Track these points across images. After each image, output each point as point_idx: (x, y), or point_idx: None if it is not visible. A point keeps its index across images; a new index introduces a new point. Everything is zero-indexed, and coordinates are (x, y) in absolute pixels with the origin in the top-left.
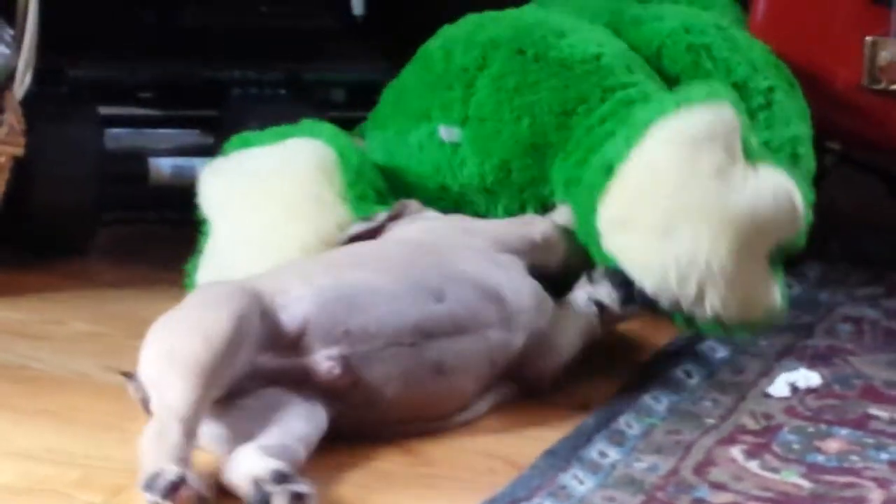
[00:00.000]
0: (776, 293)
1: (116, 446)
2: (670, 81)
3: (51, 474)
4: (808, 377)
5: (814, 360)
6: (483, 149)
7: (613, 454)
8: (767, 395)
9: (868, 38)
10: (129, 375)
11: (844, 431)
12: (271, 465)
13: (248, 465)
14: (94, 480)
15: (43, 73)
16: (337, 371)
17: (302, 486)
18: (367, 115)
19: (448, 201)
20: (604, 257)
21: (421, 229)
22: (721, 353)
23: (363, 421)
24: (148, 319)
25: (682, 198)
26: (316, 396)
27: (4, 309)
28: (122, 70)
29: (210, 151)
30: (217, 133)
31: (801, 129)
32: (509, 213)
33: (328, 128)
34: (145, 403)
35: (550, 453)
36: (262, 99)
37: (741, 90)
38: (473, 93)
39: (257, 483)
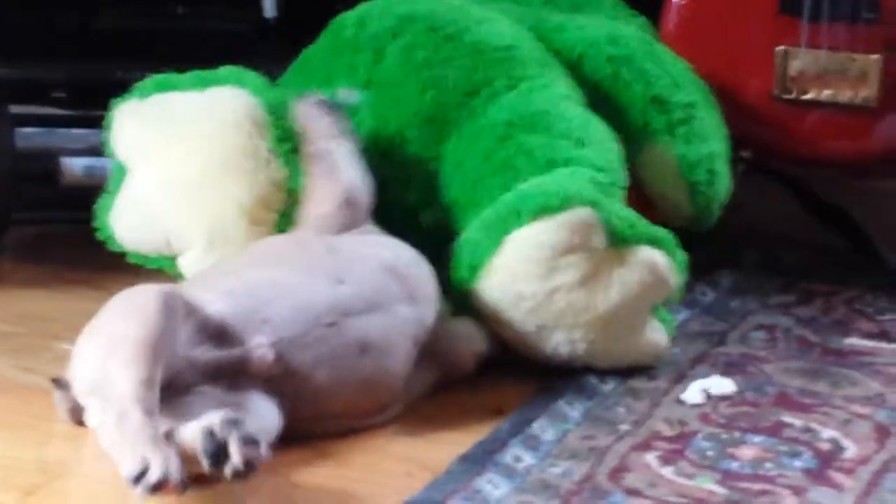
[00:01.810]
0: (660, 336)
1: (29, 446)
2: (590, 90)
3: None
4: (721, 384)
5: (727, 367)
6: (381, 115)
7: (528, 459)
8: (681, 402)
9: (779, 48)
10: (58, 383)
11: (758, 439)
12: (220, 414)
13: (197, 421)
14: (7, 480)
15: None
16: (270, 357)
17: (158, 471)
18: None
19: None
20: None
21: (294, 233)
22: None
23: (299, 416)
24: (59, 319)
25: (547, 310)
26: (260, 391)
27: None
28: (34, 69)
29: None
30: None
31: (718, 146)
32: (396, 183)
33: (254, 77)
34: (74, 413)
35: (465, 458)
36: None
37: (661, 104)
38: (382, 59)
39: (209, 431)
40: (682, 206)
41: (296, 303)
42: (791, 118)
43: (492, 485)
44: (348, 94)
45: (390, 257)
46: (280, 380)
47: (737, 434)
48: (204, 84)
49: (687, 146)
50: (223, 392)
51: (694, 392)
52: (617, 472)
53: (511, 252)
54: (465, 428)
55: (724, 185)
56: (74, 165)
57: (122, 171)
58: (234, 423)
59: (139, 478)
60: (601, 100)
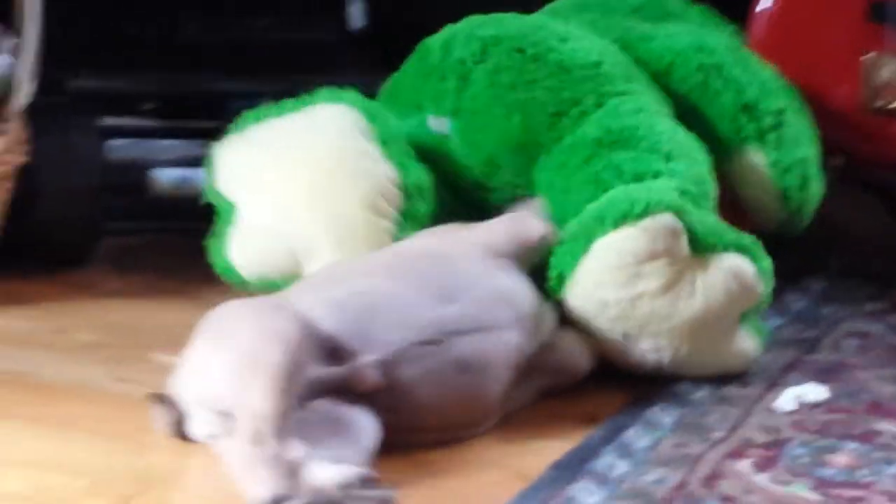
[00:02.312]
0: (750, 346)
1: (122, 455)
2: (679, 99)
3: (58, 483)
4: (814, 391)
5: (820, 374)
6: (472, 141)
7: (622, 467)
8: (774, 410)
9: (867, 56)
10: (159, 398)
11: (852, 446)
12: (355, 470)
13: (329, 472)
14: (101, 489)
15: (45, 84)
16: (376, 377)
17: (387, 492)
18: None
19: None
20: None
21: (421, 240)
22: None
23: (396, 428)
24: (151, 329)
25: (632, 318)
26: (360, 405)
27: (9, 318)
28: (123, 81)
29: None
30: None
31: (810, 151)
32: (503, 204)
33: (349, 92)
34: (177, 426)
35: (558, 465)
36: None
37: (751, 111)
38: (468, 85)
39: (344, 489)
40: (773, 212)
41: (402, 319)
42: (880, 125)
43: (585, 492)
44: (438, 123)
45: (509, 285)
46: (381, 394)
47: (830, 441)
48: (296, 108)
49: (778, 152)
50: (329, 405)
51: (787, 399)
52: (711, 480)
53: (594, 260)
54: (559, 436)
55: (816, 189)
56: (164, 176)
57: (230, 207)
58: (370, 484)
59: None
60: (691, 108)
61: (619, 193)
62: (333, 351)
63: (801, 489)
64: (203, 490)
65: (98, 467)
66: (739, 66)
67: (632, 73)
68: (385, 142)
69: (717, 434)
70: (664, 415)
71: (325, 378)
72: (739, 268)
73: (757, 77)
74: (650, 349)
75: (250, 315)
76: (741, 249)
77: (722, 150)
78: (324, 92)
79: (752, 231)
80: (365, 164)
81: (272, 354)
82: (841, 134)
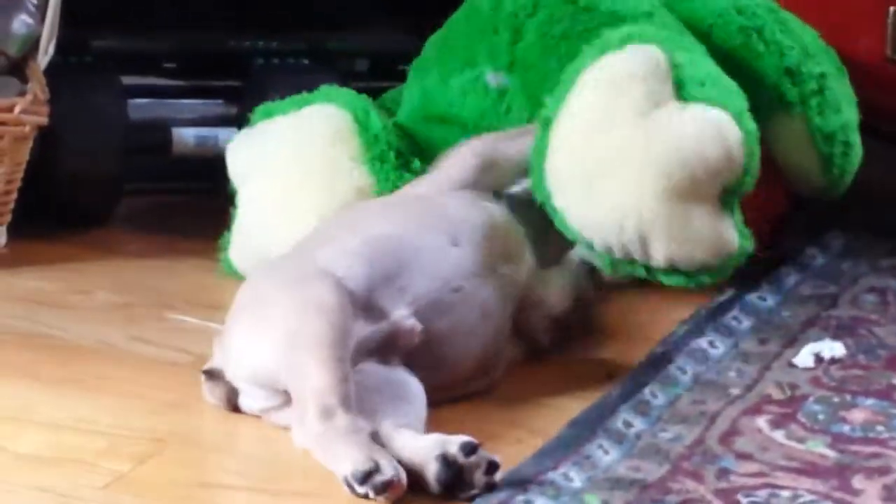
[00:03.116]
0: (731, 235)
1: (142, 415)
2: (719, 60)
3: (77, 443)
4: (832, 348)
5: (838, 330)
6: (530, 95)
7: (638, 424)
8: (792, 366)
9: (891, 8)
10: (209, 374)
11: (870, 402)
12: (455, 438)
13: (421, 444)
14: (120, 449)
15: (66, 43)
16: (418, 329)
17: (493, 456)
18: (390, 85)
19: None
20: (554, 217)
21: (402, 190)
22: (745, 323)
23: (436, 387)
24: (172, 289)
25: (601, 144)
26: (401, 366)
27: (30, 279)
28: (145, 40)
29: (233, 121)
30: (240, 103)
31: (851, 115)
32: None
33: (344, 93)
34: (229, 399)
35: (575, 423)
36: (284, 69)
37: (794, 75)
38: (520, 38)
39: (447, 458)
40: (814, 177)
41: (426, 267)
42: None
43: (602, 450)
44: (496, 78)
45: (487, 218)
46: (420, 351)
47: (848, 397)
48: (300, 105)
49: (821, 118)
50: (380, 368)
51: (805, 356)
52: (728, 437)
53: (577, 91)
54: (575, 394)
55: (857, 154)
56: (186, 135)
57: (237, 200)
58: (472, 450)
59: (367, 477)
60: (731, 70)
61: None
62: (367, 308)
63: (817, 445)
64: (220, 449)
65: (117, 427)
66: (781, 28)
67: (680, 29)
68: (366, 147)
69: (735, 391)
70: (682, 372)
71: (370, 337)
72: (723, 124)
73: (798, 40)
74: (618, 189)
75: (289, 286)
76: (731, 110)
77: (762, 115)
78: (324, 90)
79: (788, 196)
80: (331, 177)
81: (319, 326)
82: (864, 88)
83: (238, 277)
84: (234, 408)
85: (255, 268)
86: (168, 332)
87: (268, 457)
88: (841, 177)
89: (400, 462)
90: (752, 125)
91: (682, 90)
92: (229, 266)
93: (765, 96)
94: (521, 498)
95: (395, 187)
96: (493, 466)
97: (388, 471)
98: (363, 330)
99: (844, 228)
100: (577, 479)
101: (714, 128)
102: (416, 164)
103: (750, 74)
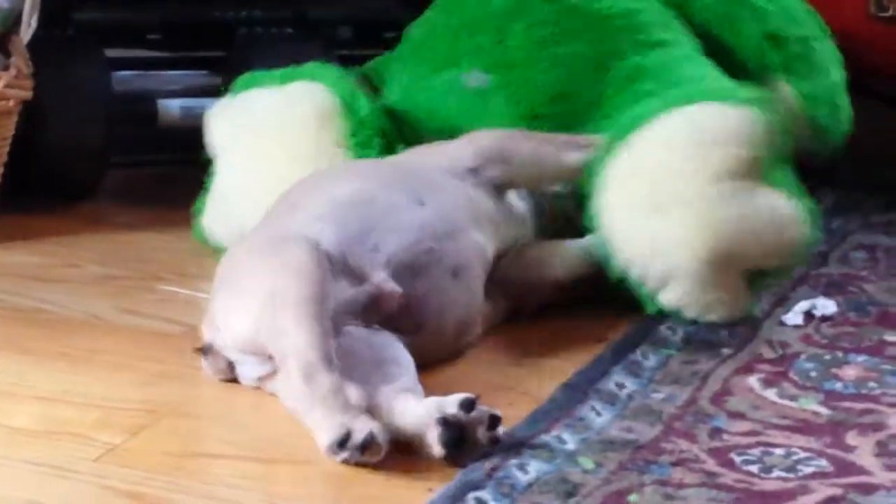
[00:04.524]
0: (740, 305)
1: (134, 387)
2: (701, 30)
3: (69, 416)
4: (823, 305)
5: (829, 288)
6: (513, 96)
7: (630, 385)
8: (783, 324)
9: None
10: (204, 350)
11: (861, 358)
12: (452, 398)
13: (420, 411)
14: (112, 421)
15: (49, 17)
16: (398, 291)
17: (494, 410)
18: (374, 53)
19: None
20: (590, 214)
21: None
22: None
23: (418, 350)
24: (160, 261)
25: (678, 186)
26: (383, 329)
27: (19, 253)
28: (128, 12)
29: (218, 92)
30: (225, 73)
31: (837, 76)
32: None
33: (332, 71)
34: (228, 371)
35: (568, 386)
36: (269, 38)
37: (777, 39)
38: (506, 39)
39: (447, 420)
40: (804, 142)
41: (393, 224)
42: (887, 36)
43: (594, 412)
44: (477, 79)
45: (455, 187)
46: (397, 314)
47: (839, 354)
48: (285, 80)
49: (806, 81)
50: (363, 331)
51: (796, 314)
52: (720, 396)
53: (673, 121)
54: (566, 356)
55: (846, 115)
56: (171, 107)
57: (215, 168)
58: (470, 406)
59: (342, 444)
60: (713, 39)
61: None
62: (345, 270)
63: (809, 403)
64: (213, 419)
65: (109, 399)
66: None
67: (667, 20)
68: (353, 132)
69: (726, 350)
70: (673, 332)
71: (352, 300)
72: (793, 218)
73: (779, 3)
74: (671, 227)
75: (265, 253)
76: (804, 210)
77: (747, 81)
78: (310, 66)
79: None
80: (315, 161)
81: (297, 288)
82: (848, 45)
83: (208, 245)
84: (234, 380)
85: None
86: (158, 304)
87: (261, 426)
88: (830, 139)
89: (403, 431)
90: (817, 233)
91: (770, 173)
92: (201, 234)
93: (748, 63)
94: (514, 461)
95: None
96: (494, 420)
97: (361, 433)
98: (344, 292)
99: (834, 186)
100: (570, 442)
101: (784, 222)
102: (402, 149)
103: (732, 42)
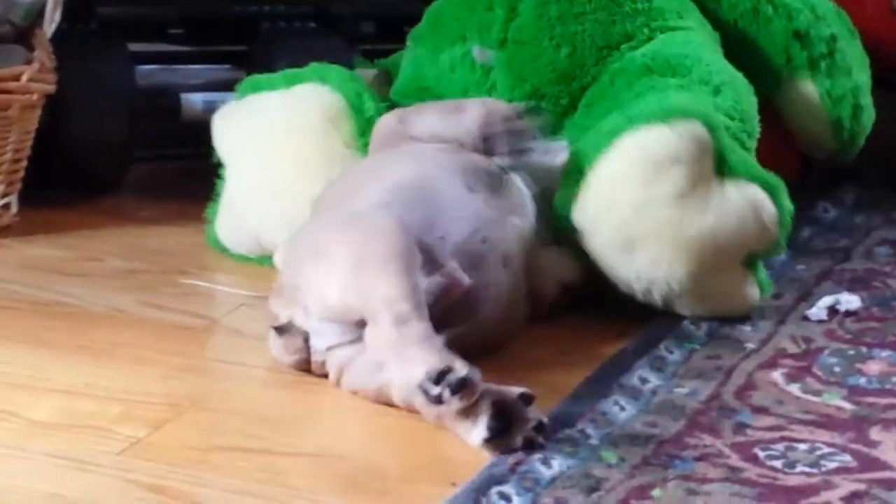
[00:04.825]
0: (753, 290)
1: (156, 381)
2: (729, 28)
3: (92, 410)
4: (847, 300)
5: (852, 283)
6: (517, 73)
7: (654, 380)
8: (807, 319)
9: None
10: (280, 329)
11: (885, 353)
12: (513, 388)
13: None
14: (135, 415)
15: (72, 11)
16: (467, 281)
17: (464, 371)
18: (397, 48)
19: None
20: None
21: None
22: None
23: (458, 339)
24: (183, 255)
25: (641, 220)
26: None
27: (42, 247)
28: (151, 6)
29: None
30: (247, 68)
31: (862, 78)
32: None
33: (337, 72)
34: (302, 353)
35: (591, 380)
36: (291, 33)
37: (802, 38)
38: (515, 16)
39: (423, 389)
40: (825, 141)
41: (458, 214)
42: None
43: (618, 406)
44: (482, 54)
45: (488, 166)
46: (458, 303)
47: (863, 349)
48: (292, 82)
49: (830, 81)
50: None
51: (820, 309)
52: (743, 391)
53: (617, 154)
54: (590, 351)
55: (868, 117)
56: (194, 101)
57: (224, 173)
58: (528, 402)
59: (441, 376)
60: (741, 37)
61: (656, 97)
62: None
63: (833, 398)
64: (235, 413)
65: (131, 393)
66: None
67: (685, 7)
68: (360, 132)
69: (750, 345)
70: (696, 327)
71: (427, 289)
72: (759, 202)
73: (807, 2)
74: (647, 263)
75: (345, 224)
76: (767, 187)
77: (773, 80)
78: (316, 67)
79: (801, 159)
80: (325, 164)
81: (385, 248)
82: (872, 40)
83: (222, 249)
84: (306, 367)
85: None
86: (181, 297)
87: (284, 419)
88: (852, 140)
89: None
90: (786, 201)
91: (723, 166)
92: (214, 239)
93: (774, 61)
94: (537, 456)
95: None
96: (541, 426)
97: (462, 370)
98: (421, 280)
99: (857, 182)
100: (594, 436)
101: (753, 210)
102: None
103: (759, 39)
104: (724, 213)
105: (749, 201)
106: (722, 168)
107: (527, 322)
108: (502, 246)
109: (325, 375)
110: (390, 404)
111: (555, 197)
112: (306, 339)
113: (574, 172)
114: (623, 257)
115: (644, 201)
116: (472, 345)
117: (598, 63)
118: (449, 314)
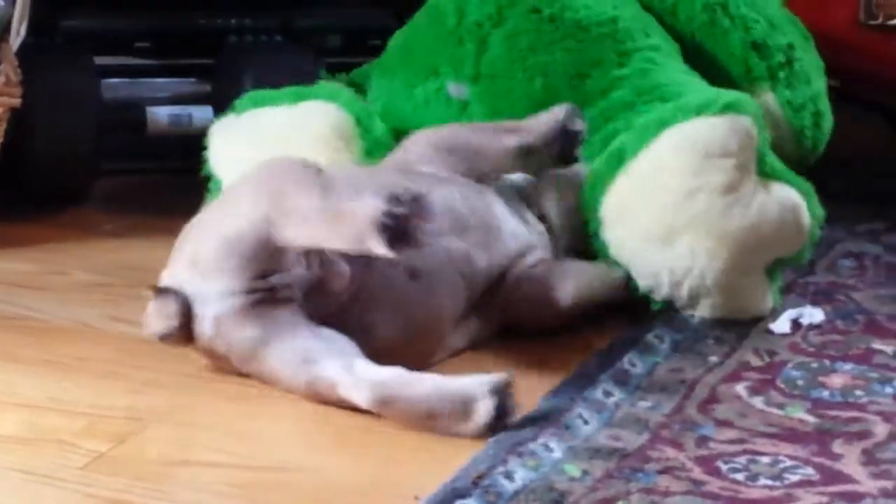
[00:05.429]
0: (768, 300)
1: (121, 395)
2: (685, 40)
3: (56, 424)
4: (811, 313)
5: (816, 296)
6: (493, 107)
7: (617, 394)
8: (770, 332)
9: None
10: (159, 290)
11: (848, 366)
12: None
13: (467, 380)
14: (99, 429)
15: (38, 24)
16: (347, 273)
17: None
18: (363, 61)
19: None
20: (599, 246)
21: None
22: None
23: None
24: (149, 268)
25: (685, 209)
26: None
27: (7, 260)
28: (116, 20)
29: (206, 99)
30: (213, 81)
31: (820, 84)
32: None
33: (345, 92)
34: (171, 316)
35: (555, 394)
36: (257, 46)
37: (760, 49)
38: (486, 49)
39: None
40: (787, 149)
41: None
42: (877, 44)
43: (581, 420)
44: (458, 90)
45: (450, 194)
46: (348, 305)
47: (827, 362)
48: (297, 99)
49: (790, 91)
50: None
51: (783, 322)
52: (707, 404)
53: (666, 142)
54: (553, 364)
55: (828, 124)
56: (159, 114)
57: (218, 186)
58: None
59: (396, 199)
60: (698, 49)
61: (703, 91)
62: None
63: (796, 411)
64: (200, 427)
65: (96, 407)
66: (744, 1)
67: (647, 25)
68: (368, 151)
69: (713, 358)
70: (660, 340)
71: (304, 278)
72: (798, 205)
73: (763, 12)
74: (688, 252)
75: (247, 175)
76: (802, 192)
77: (732, 90)
78: (323, 86)
79: None
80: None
81: (289, 170)
82: (838, 54)
83: None
84: (188, 331)
85: None
86: (145, 311)
87: (249, 433)
88: (814, 147)
89: (450, 392)
90: (818, 209)
91: (762, 163)
92: None
93: (733, 73)
94: (500, 469)
95: None
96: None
97: (400, 206)
98: (300, 271)
99: (821, 194)
100: (556, 450)
101: (793, 211)
102: None
103: (717, 51)
104: (767, 211)
105: (790, 203)
106: (762, 168)
107: (492, 336)
108: (409, 259)
109: (211, 353)
110: (322, 401)
111: (583, 189)
112: (186, 306)
113: (612, 161)
114: (659, 246)
115: (691, 190)
116: (385, 354)
117: (573, 90)
118: (340, 316)
